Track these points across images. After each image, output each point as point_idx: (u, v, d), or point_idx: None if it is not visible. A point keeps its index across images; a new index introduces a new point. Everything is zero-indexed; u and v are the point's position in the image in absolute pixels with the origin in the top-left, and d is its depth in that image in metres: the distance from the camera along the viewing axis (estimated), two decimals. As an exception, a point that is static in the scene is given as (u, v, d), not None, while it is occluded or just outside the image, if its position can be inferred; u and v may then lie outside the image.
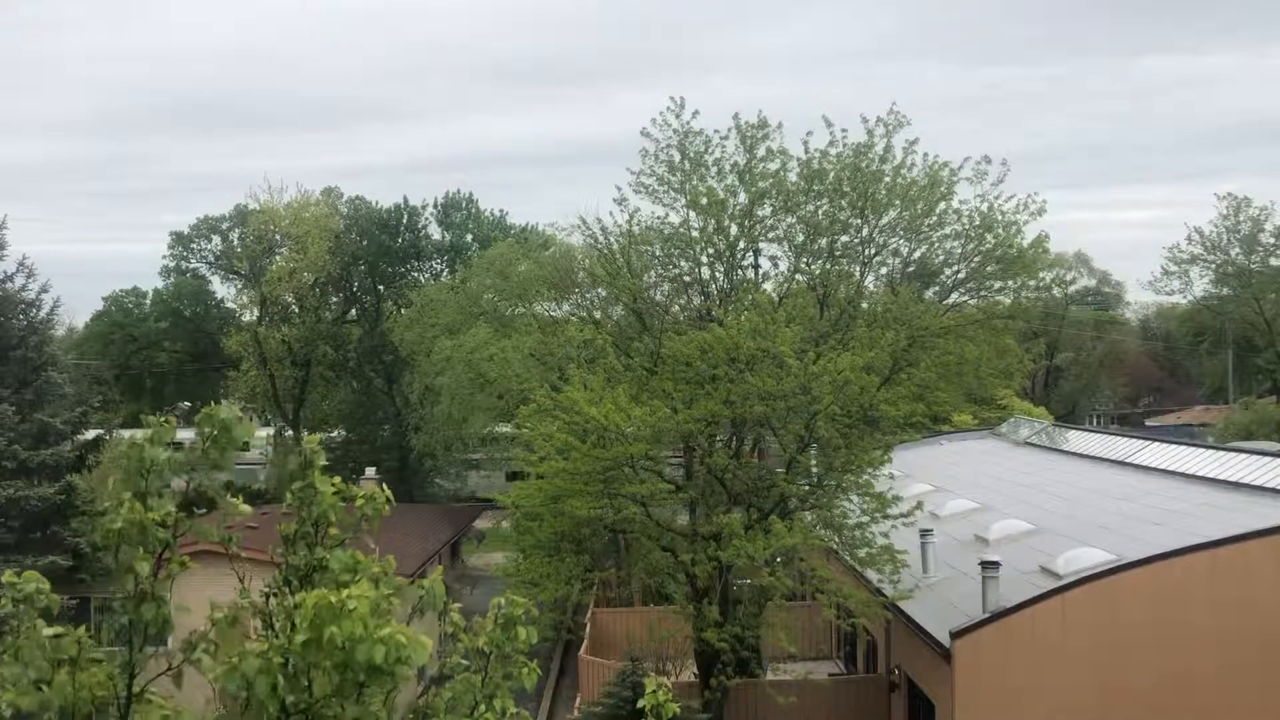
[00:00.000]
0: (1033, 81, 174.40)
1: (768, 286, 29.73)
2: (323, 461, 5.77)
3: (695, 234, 28.74)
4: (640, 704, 6.57)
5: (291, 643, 4.73)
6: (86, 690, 5.11)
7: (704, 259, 29.36)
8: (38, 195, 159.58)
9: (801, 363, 23.89)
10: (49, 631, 5.11)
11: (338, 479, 5.81)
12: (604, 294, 35.03)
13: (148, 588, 5.15)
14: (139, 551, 5.11)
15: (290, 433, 61.01)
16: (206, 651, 5.13)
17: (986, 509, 30.26)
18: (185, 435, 5.69)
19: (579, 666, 31.84)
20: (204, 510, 5.50)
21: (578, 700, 30.26)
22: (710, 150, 28.68)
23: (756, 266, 30.25)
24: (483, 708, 5.93)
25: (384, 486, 6.08)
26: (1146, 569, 21.48)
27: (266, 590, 5.59)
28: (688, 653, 28.48)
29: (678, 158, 28.68)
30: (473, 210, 63.98)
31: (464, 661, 6.22)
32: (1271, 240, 67.19)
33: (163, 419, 5.39)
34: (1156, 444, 33.54)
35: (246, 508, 5.54)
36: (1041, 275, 31.10)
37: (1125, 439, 36.32)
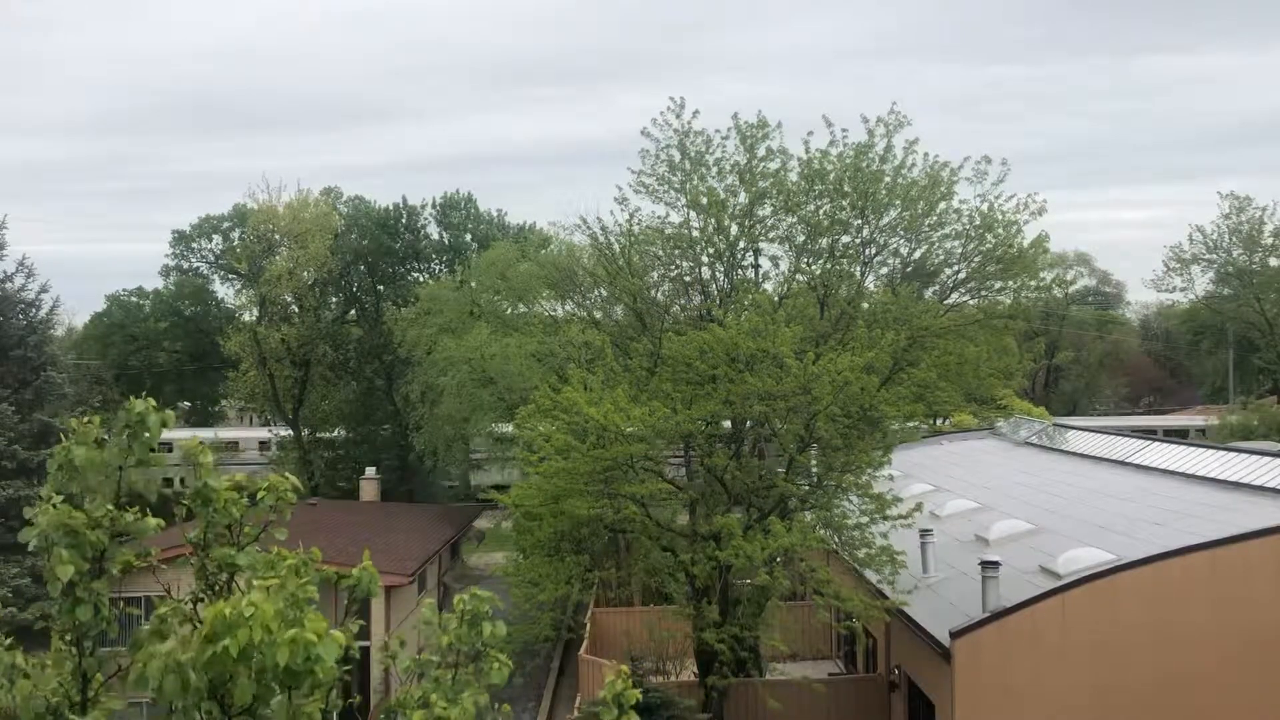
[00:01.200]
0: (1033, 81, 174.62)
1: (768, 286, 29.76)
2: (208, 459, 5.54)
3: (696, 233, 28.73)
4: (601, 693, 6.51)
5: (200, 657, 4.54)
6: (40, 699, 4.98)
7: (704, 259, 29.35)
8: (38, 195, 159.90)
9: (801, 363, 23.87)
10: None
11: (239, 474, 5.62)
12: (605, 294, 35.01)
13: (81, 592, 4.97)
14: (64, 554, 4.92)
15: (290, 432, 61.00)
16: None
17: (986, 509, 30.23)
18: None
19: (579, 666, 31.80)
20: (140, 510, 5.29)
21: (578, 700, 30.23)
22: (711, 150, 28.71)
23: (757, 266, 30.25)
24: (446, 705, 5.85)
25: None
26: (1146, 569, 21.46)
27: (191, 596, 5.43)
28: (688, 652, 28.47)
29: (678, 157, 28.69)
30: (471, 210, 63.97)
31: (434, 659, 6.17)
32: (1271, 240, 67.20)
33: (85, 419, 5.18)
34: (1156, 444, 33.54)
35: (151, 522, 5.31)
36: (1042, 275, 31.09)
37: (1125, 439, 36.30)
